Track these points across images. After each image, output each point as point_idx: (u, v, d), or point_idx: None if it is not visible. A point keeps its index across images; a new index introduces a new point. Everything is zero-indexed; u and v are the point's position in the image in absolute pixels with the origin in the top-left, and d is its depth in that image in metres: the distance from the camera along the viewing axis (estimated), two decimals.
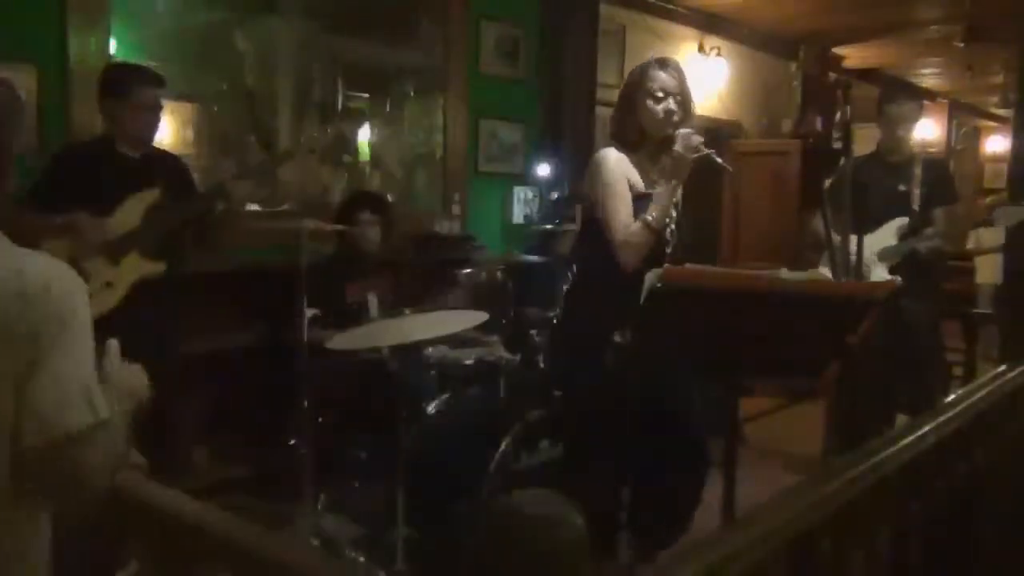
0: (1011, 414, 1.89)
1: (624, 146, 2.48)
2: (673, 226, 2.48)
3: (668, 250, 2.46)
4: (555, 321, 2.79)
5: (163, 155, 3.01)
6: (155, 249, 2.81)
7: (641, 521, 2.59)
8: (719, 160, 2.33)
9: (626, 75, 2.58)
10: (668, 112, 2.41)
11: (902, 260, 3.50)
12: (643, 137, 2.47)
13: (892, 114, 3.69)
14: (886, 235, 3.55)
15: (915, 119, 3.73)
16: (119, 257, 2.74)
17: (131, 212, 2.78)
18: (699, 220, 5.32)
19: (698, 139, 2.33)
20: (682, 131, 2.36)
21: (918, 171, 3.60)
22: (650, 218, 2.36)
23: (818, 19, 6.23)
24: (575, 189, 4.73)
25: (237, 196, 3.03)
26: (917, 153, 3.78)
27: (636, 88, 2.45)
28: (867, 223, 3.55)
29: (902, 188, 3.60)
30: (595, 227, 2.46)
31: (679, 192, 2.45)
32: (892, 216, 3.57)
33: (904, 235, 3.55)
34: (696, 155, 2.33)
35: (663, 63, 2.46)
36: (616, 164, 2.43)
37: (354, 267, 3.41)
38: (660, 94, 2.41)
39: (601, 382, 2.30)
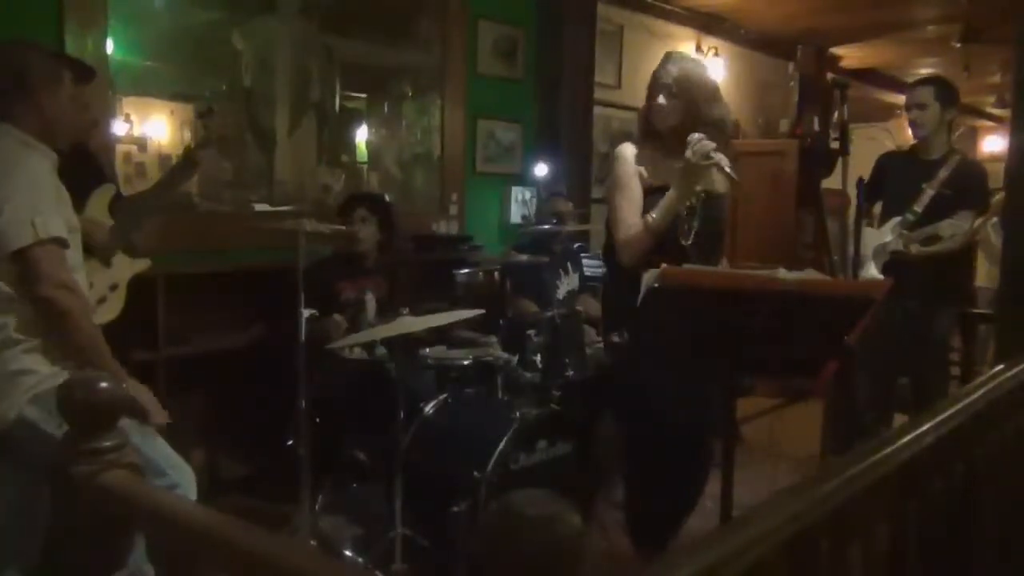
0: (1010, 414, 1.89)
1: (643, 139, 2.51)
2: (696, 223, 2.39)
3: (687, 242, 2.38)
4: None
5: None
6: (130, 246, 2.67)
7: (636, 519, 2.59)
8: (728, 170, 2.23)
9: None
10: (660, 107, 2.42)
11: (890, 260, 3.44)
12: (652, 129, 2.48)
13: (903, 104, 3.59)
14: (884, 233, 3.51)
15: (924, 105, 3.47)
16: (110, 258, 2.61)
17: (99, 209, 2.62)
18: None
19: (710, 145, 2.24)
20: (694, 136, 2.28)
21: (944, 173, 3.44)
22: (650, 219, 2.34)
23: (815, 19, 6.23)
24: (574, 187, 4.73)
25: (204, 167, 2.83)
26: (952, 154, 3.53)
27: (651, 81, 2.48)
28: (888, 218, 3.53)
29: (923, 186, 3.46)
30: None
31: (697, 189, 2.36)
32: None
33: (902, 234, 3.47)
34: (707, 163, 2.25)
35: (667, 57, 2.48)
36: (629, 160, 2.44)
37: (351, 266, 3.41)
38: (662, 87, 2.43)
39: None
